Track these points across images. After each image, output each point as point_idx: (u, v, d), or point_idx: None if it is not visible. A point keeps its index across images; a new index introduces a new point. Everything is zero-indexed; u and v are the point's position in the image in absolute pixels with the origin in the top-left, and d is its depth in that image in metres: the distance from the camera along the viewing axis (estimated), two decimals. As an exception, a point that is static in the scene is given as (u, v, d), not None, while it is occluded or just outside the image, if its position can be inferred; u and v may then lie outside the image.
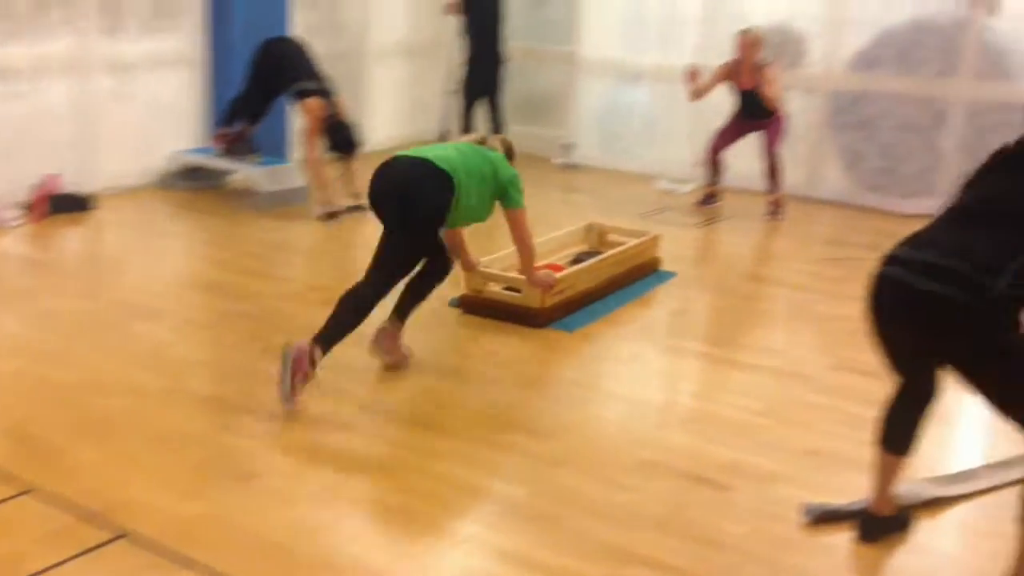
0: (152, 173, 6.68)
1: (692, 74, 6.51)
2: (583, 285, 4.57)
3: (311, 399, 3.43)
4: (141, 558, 2.51)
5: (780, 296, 5.05)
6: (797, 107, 7.36)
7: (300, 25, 7.30)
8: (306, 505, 2.79)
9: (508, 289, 4.36)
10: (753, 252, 5.85)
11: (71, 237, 5.60)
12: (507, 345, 4.07)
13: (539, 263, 4.45)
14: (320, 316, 3.54)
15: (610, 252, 4.89)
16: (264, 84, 6.24)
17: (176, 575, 2.45)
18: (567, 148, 8.26)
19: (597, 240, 5.28)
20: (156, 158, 6.68)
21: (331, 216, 6.01)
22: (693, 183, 7.34)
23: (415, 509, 2.83)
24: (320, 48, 6.63)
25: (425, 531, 2.74)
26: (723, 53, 7.54)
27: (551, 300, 4.30)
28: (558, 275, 4.39)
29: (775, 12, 7.31)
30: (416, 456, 3.12)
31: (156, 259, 5.23)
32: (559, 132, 8.38)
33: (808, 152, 7.26)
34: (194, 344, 4.00)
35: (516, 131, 8.40)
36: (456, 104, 7.89)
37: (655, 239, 5.17)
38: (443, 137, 8.05)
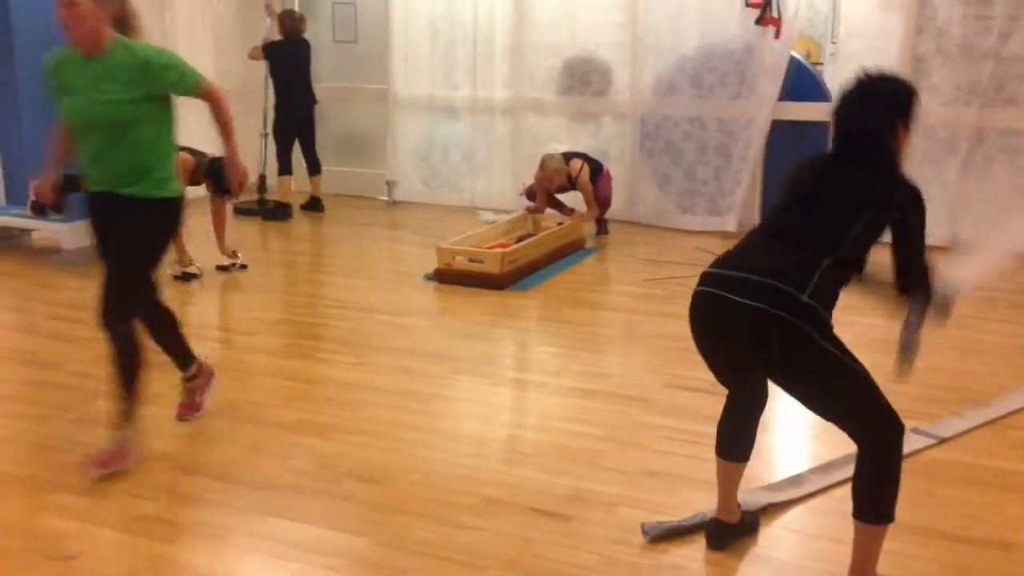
0: (-60, 237, 6.17)
1: (528, 193, 7.13)
2: (528, 257, 5.93)
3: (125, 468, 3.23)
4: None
5: (609, 319, 5.17)
6: (610, 133, 7.63)
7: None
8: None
9: (472, 261, 5.64)
10: (580, 277, 5.97)
11: None
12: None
13: (490, 244, 6.02)
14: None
15: (544, 232, 6.37)
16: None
17: None
18: (390, 185, 8.23)
19: (533, 226, 6.71)
20: (-57, 220, 6.18)
21: (188, 276, 5.69)
22: (515, 213, 7.44)
23: (255, 573, 2.68)
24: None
25: (267, 598, 2.60)
26: (534, 82, 7.76)
27: (508, 267, 5.60)
28: (507, 249, 5.75)
29: (580, 43, 7.55)
30: (245, 516, 2.97)
31: (-51, 330, 4.81)
32: (380, 171, 8.34)
33: (625, 176, 7.51)
34: (0, 420, 3.68)
35: (337, 172, 8.34)
36: (271, 147, 7.75)
37: (578, 223, 6.67)
38: (261, 180, 7.85)
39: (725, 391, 2.77)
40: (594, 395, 4.01)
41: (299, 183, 8.10)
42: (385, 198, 8.28)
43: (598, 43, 7.52)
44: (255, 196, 7.85)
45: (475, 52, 7.88)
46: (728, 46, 7.07)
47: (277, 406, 3.86)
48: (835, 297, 2.45)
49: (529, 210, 6.89)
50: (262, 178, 8.06)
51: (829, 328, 2.38)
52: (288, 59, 7.49)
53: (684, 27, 7.18)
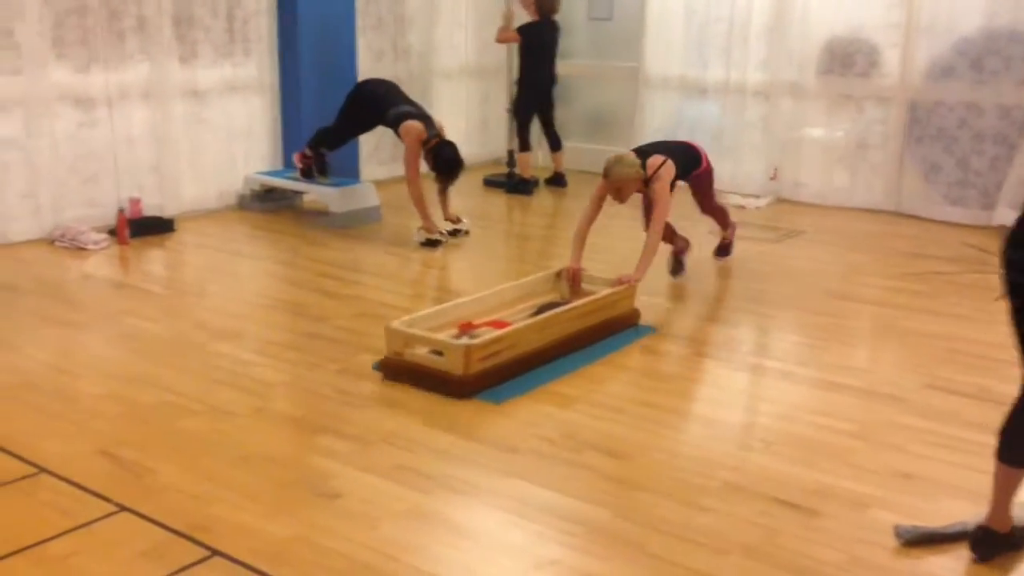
0: (229, 195, 6.82)
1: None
2: (525, 346, 3.93)
3: (387, 419, 3.46)
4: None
5: (862, 313, 4.93)
6: (872, 118, 7.23)
7: (365, 48, 7.41)
8: (390, 526, 2.79)
9: (434, 352, 3.77)
10: (832, 268, 5.72)
11: (153, 259, 5.73)
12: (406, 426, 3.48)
13: (487, 318, 4.16)
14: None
15: (563, 307, 4.25)
16: (356, 118, 6.30)
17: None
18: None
19: (567, 290, 4.70)
20: (232, 181, 6.83)
21: (433, 243, 6.01)
22: (767, 197, 7.25)
23: (496, 530, 2.81)
24: (387, 70, 6.71)
25: (508, 553, 2.71)
26: (792, 65, 7.47)
27: (479, 365, 3.70)
28: (497, 333, 3.88)
29: (845, 22, 7.20)
30: (491, 474, 3.10)
31: (235, 280, 5.31)
32: (625, 149, 8.33)
33: (886, 164, 7.12)
34: (274, 365, 4.04)
35: (581, 148, 8.43)
36: (511, 123, 7.95)
37: (631, 289, 4.52)
38: (510, 154, 8.07)
39: (994, 398, 2.57)
40: (843, 389, 3.86)
41: (545, 159, 8.27)
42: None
43: (864, 22, 7.13)
44: (504, 170, 8.09)
45: (731, 32, 7.70)
46: (1018, 28, 6.49)
47: (523, 373, 3.98)
48: None
49: (569, 280, 4.72)
50: (511, 153, 8.28)
51: None
52: (539, 39, 7.64)
53: (964, 8, 6.66)
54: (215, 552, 2.62)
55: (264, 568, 2.56)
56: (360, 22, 7.34)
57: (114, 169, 6.16)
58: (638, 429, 3.48)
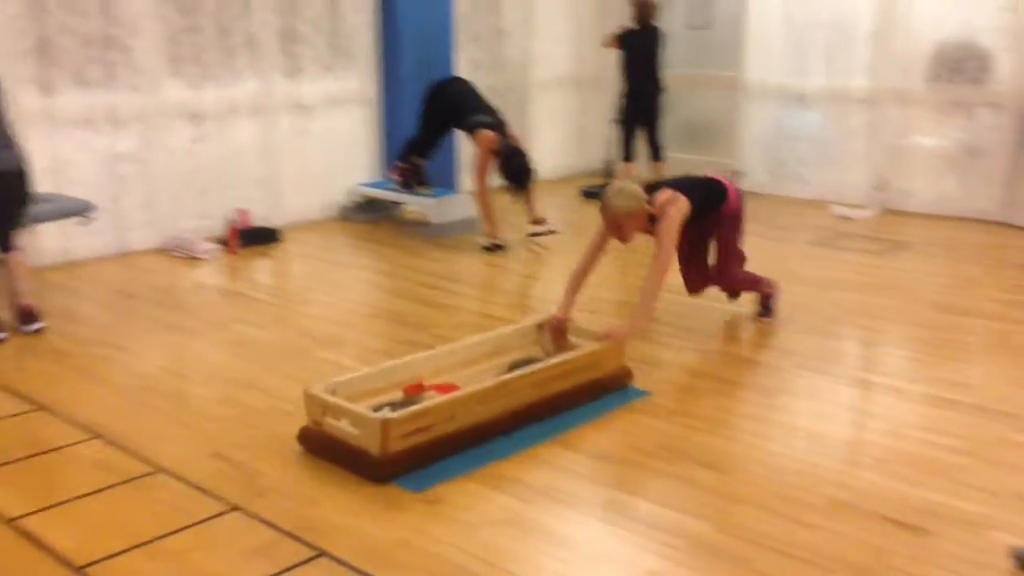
0: (331, 206, 7.00)
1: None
2: (472, 417, 3.29)
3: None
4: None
5: (973, 327, 4.76)
6: (985, 125, 6.99)
7: (464, 62, 7.51)
8: (489, 532, 2.82)
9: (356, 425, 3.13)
10: (941, 280, 5.54)
11: (260, 268, 5.93)
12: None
13: (435, 381, 3.55)
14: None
15: (529, 368, 3.55)
16: (436, 121, 6.45)
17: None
18: (735, 175, 8.11)
19: (549, 343, 4.01)
20: (335, 192, 7.01)
21: (495, 248, 6.12)
22: (872, 208, 7.07)
23: (594, 540, 2.81)
24: (484, 82, 6.80)
25: (606, 562, 2.70)
26: (898, 71, 7.27)
27: (401, 443, 3.08)
28: (437, 399, 3.27)
29: (954, 26, 6.98)
30: (588, 484, 3.10)
31: (337, 288, 5.45)
32: (725, 159, 8.25)
33: (998, 173, 6.87)
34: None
35: (680, 158, 8.36)
36: (615, 134, 7.93)
37: (618, 346, 3.82)
38: (608, 166, 8.07)
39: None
40: (954, 405, 3.73)
41: (644, 169, 8.24)
42: (728, 187, 8.18)
43: (974, 26, 6.90)
44: (602, 181, 8.09)
45: (833, 38, 7.55)
46: None
47: (621, 384, 3.97)
48: None
49: (552, 330, 4.03)
50: (608, 163, 8.28)
51: None
52: (638, 47, 7.60)
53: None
54: (322, 552, 2.70)
55: (368, 569, 2.61)
56: (458, 36, 7.45)
57: (224, 182, 6.39)
58: (736, 441, 3.43)
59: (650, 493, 3.06)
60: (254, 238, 6.22)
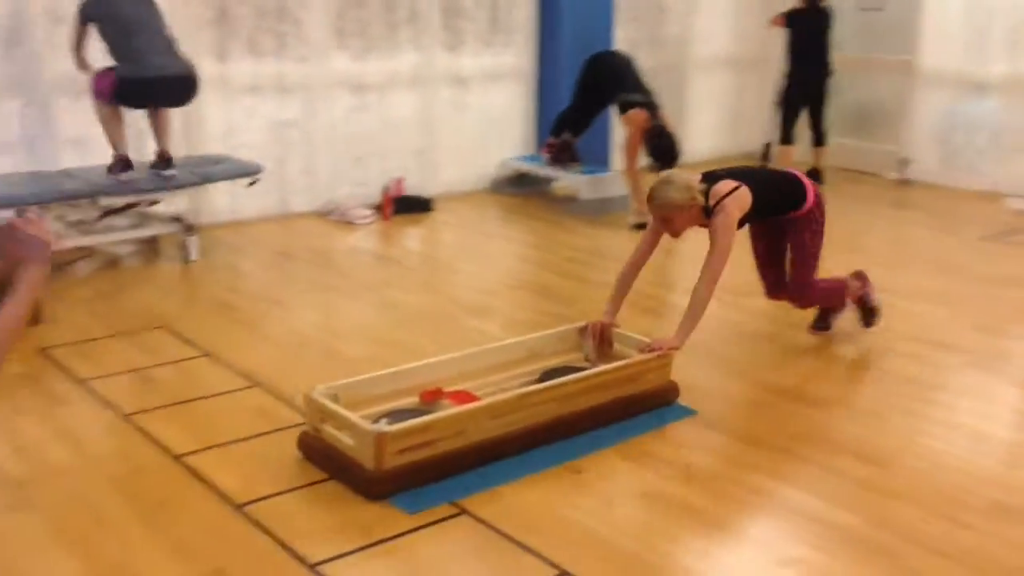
0: (484, 178, 7.09)
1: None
2: (487, 432, 2.95)
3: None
4: (482, 536, 2.63)
5: None
6: None
7: (623, 39, 7.43)
8: (629, 505, 2.80)
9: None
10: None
11: (413, 235, 6.07)
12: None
13: (457, 386, 3.25)
14: (640, 323, 3.52)
15: (560, 379, 3.20)
16: (590, 97, 6.42)
17: (518, 558, 2.54)
18: (902, 163, 7.74)
19: (592, 352, 3.61)
20: (487, 165, 7.08)
21: (643, 226, 6.01)
22: None
23: (738, 520, 2.74)
24: (642, 61, 6.70)
25: (750, 544, 2.64)
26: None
27: (397, 460, 2.76)
28: (432, 416, 2.94)
29: None
30: (737, 468, 3.03)
31: (486, 258, 5.51)
32: (892, 146, 7.87)
33: None
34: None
35: (844, 144, 8.04)
36: (776, 115, 7.67)
37: (665, 358, 3.41)
38: (766, 149, 7.83)
39: None
40: None
41: (804, 153, 7.95)
42: (894, 175, 7.80)
43: None
44: (758, 164, 7.86)
45: (1018, 21, 7.06)
46: None
47: (775, 368, 3.87)
48: None
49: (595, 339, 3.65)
50: (767, 146, 8.03)
51: None
52: (806, 27, 7.33)
53: None
54: (464, 511, 2.74)
55: (509, 532, 2.64)
56: (618, 13, 7.37)
57: (381, 151, 6.56)
58: (894, 436, 3.28)
59: (799, 481, 2.96)
60: (407, 206, 6.36)
